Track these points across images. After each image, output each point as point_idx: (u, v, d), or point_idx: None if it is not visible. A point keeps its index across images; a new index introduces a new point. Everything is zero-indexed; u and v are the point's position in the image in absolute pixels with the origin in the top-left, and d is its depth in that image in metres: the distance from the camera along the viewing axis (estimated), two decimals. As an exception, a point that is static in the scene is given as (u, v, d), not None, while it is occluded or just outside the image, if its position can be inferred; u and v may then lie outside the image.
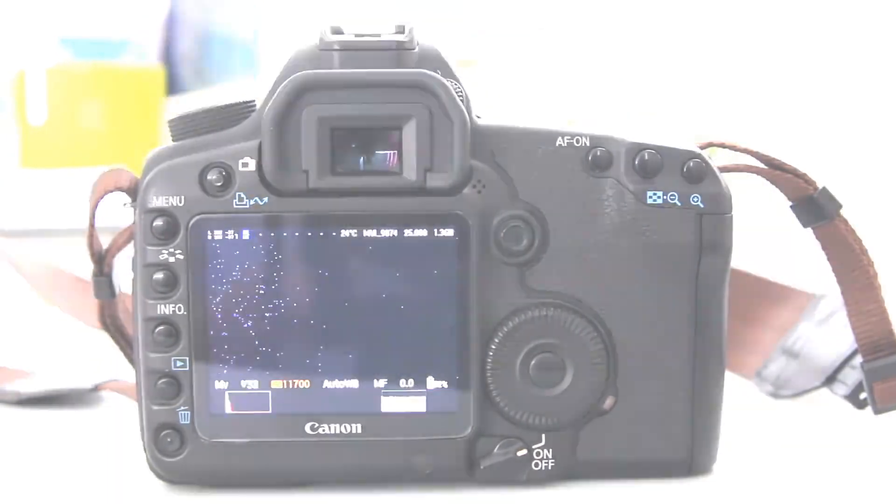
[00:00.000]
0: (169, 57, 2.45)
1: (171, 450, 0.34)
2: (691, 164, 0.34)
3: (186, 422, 0.34)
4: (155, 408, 0.34)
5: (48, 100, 1.98)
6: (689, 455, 0.36)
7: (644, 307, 0.34)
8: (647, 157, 0.34)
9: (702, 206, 0.34)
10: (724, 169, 0.35)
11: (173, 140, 0.35)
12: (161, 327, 0.33)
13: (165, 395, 0.34)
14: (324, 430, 0.34)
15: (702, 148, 0.35)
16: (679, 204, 0.34)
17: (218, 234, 0.33)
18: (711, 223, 0.34)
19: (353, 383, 0.34)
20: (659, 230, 0.34)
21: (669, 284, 0.34)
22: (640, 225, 0.34)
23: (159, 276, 0.33)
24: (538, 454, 0.35)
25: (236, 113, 0.34)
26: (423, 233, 0.34)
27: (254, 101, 0.35)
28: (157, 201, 0.33)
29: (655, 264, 0.34)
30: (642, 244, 0.34)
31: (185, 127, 0.35)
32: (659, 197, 0.34)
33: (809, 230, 0.37)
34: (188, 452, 0.34)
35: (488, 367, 0.34)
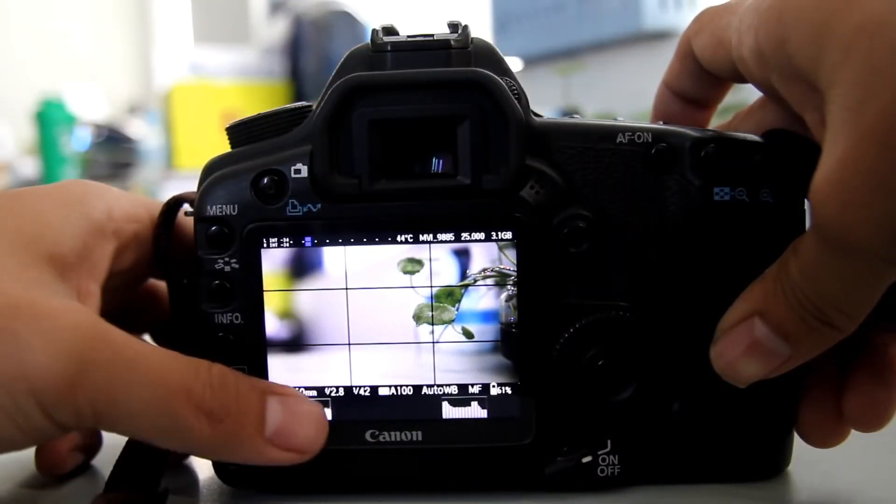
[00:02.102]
0: (294, 74, 2.62)
1: None
2: (759, 157, 0.32)
3: None
4: None
5: (193, 110, 2.30)
6: (761, 457, 0.34)
7: (711, 308, 0.33)
8: (712, 151, 0.32)
9: (771, 201, 0.32)
10: None
11: (232, 147, 0.35)
12: (219, 337, 0.33)
13: None
14: (384, 438, 0.34)
15: None
16: (748, 200, 0.32)
17: (272, 243, 0.33)
18: (782, 219, 0.33)
19: (414, 390, 0.34)
20: (726, 228, 0.33)
21: (738, 285, 0.33)
22: (707, 223, 0.33)
23: (216, 285, 0.33)
24: (604, 460, 0.34)
25: (291, 118, 0.34)
26: (480, 236, 0.33)
27: (310, 105, 0.34)
28: (213, 210, 0.33)
29: (723, 264, 0.33)
30: (709, 243, 0.33)
31: (243, 133, 0.34)
32: (726, 193, 0.32)
33: None
34: None
35: (551, 372, 0.33)
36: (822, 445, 0.34)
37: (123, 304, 0.38)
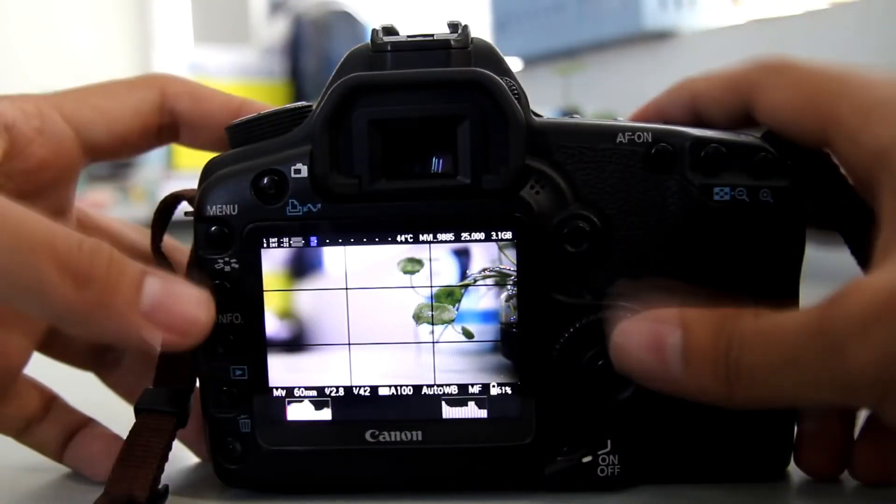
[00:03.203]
0: (294, 74, 2.63)
1: (233, 457, 0.34)
2: (759, 157, 0.32)
3: (247, 430, 0.34)
4: (217, 416, 0.34)
5: None
6: (761, 458, 0.34)
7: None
8: (712, 151, 0.32)
9: (771, 201, 0.32)
10: None
11: (232, 147, 0.35)
12: (219, 337, 0.33)
13: (226, 404, 0.34)
14: (384, 438, 0.34)
15: None
16: (748, 200, 0.32)
17: (272, 243, 0.33)
18: (782, 219, 0.33)
19: (414, 390, 0.34)
20: (726, 228, 0.33)
21: (739, 285, 0.33)
22: (707, 223, 0.33)
23: (215, 285, 0.33)
24: (604, 460, 0.34)
25: (291, 118, 0.34)
26: (480, 236, 0.33)
27: (310, 105, 0.34)
28: (213, 210, 0.33)
29: (723, 264, 0.33)
30: (709, 243, 0.33)
31: (243, 133, 0.34)
32: (726, 193, 0.32)
33: None
34: (250, 460, 0.34)
35: (551, 372, 0.33)
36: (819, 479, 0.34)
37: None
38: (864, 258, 0.32)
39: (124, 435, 0.33)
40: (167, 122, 0.38)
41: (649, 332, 0.29)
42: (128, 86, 0.37)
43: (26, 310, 0.29)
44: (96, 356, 0.40)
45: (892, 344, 0.24)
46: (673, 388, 0.29)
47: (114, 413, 0.38)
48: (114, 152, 0.37)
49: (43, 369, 0.38)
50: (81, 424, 0.38)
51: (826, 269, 0.37)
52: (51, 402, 0.37)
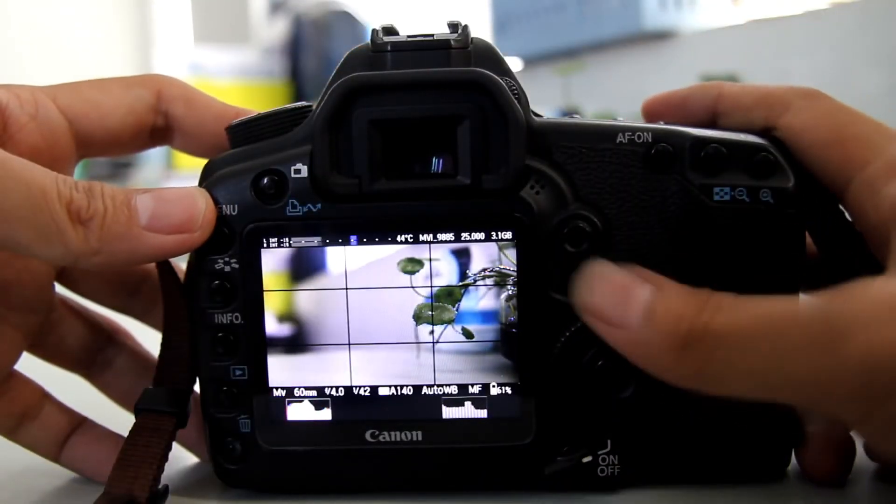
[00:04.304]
0: (294, 74, 2.63)
1: (233, 458, 0.34)
2: (759, 157, 0.32)
3: (247, 430, 0.34)
4: (217, 416, 0.34)
5: None
6: (762, 458, 0.34)
7: None
8: (712, 151, 0.32)
9: (771, 201, 0.32)
10: None
11: (232, 147, 0.35)
12: (219, 337, 0.33)
13: (226, 405, 0.34)
14: (384, 438, 0.34)
15: None
16: (748, 200, 0.32)
17: (272, 243, 0.33)
18: (782, 219, 0.33)
19: (414, 390, 0.34)
20: (726, 228, 0.33)
21: (739, 285, 0.33)
22: (707, 223, 0.33)
23: (216, 285, 0.33)
24: (604, 460, 0.34)
25: (291, 118, 0.34)
26: (480, 236, 0.33)
27: (310, 105, 0.34)
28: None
29: (724, 264, 0.33)
30: (709, 243, 0.33)
31: (243, 133, 0.34)
32: (726, 193, 0.32)
33: None
34: (250, 460, 0.34)
35: (551, 372, 0.33)
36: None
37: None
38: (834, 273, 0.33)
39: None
40: (161, 124, 0.38)
41: (622, 279, 0.28)
42: (124, 83, 0.38)
43: (45, 255, 0.31)
44: (87, 357, 0.39)
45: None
46: (622, 342, 0.28)
47: (106, 414, 0.38)
48: (106, 148, 0.37)
49: (35, 372, 0.38)
50: (76, 424, 0.37)
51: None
52: (43, 400, 0.37)
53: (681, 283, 0.30)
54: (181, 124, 0.38)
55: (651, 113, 0.37)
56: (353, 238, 0.33)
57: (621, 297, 0.28)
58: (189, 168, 2.43)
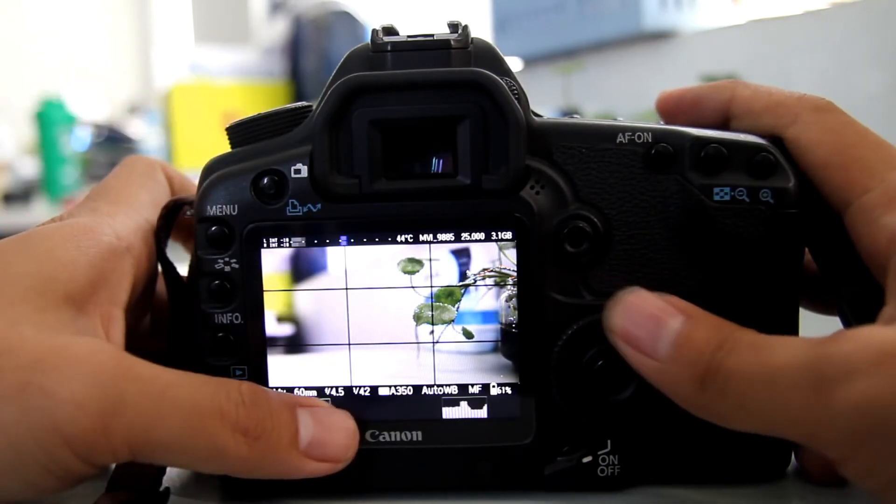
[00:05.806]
0: (294, 74, 2.64)
1: None
2: (759, 157, 0.32)
3: None
4: None
5: (193, 110, 2.33)
6: (761, 458, 0.34)
7: (712, 308, 0.33)
8: (712, 151, 0.32)
9: (772, 201, 0.32)
10: None
11: (232, 147, 0.35)
12: (219, 337, 0.33)
13: None
14: (384, 438, 0.34)
15: None
16: (748, 200, 0.32)
17: (272, 243, 0.33)
18: (782, 220, 0.33)
19: (414, 390, 0.34)
20: (727, 228, 0.33)
21: (739, 284, 0.33)
22: (707, 223, 0.33)
23: (216, 285, 0.33)
24: (604, 460, 0.34)
25: (291, 118, 0.34)
26: (480, 236, 0.33)
27: (310, 105, 0.34)
28: (213, 210, 0.33)
29: (723, 264, 0.33)
30: (709, 243, 0.33)
31: (243, 133, 0.34)
32: (726, 193, 0.32)
33: None
34: None
35: (551, 372, 0.33)
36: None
37: (151, 312, 0.38)
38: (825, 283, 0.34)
39: None
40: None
41: (658, 307, 0.30)
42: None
43: (203, 470, 0.31)
44: None
45: (880, 392, 0.25)
46: (648, 368, 0.30)
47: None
48: None
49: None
50: None
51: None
52: None
53: (681, 282, 0.31)
54: None
55: (665, 112, 0.37)
56: (353, 238, 0.33)
57: (653, 326, 0.29)
58: (189, 168, 2.43)
